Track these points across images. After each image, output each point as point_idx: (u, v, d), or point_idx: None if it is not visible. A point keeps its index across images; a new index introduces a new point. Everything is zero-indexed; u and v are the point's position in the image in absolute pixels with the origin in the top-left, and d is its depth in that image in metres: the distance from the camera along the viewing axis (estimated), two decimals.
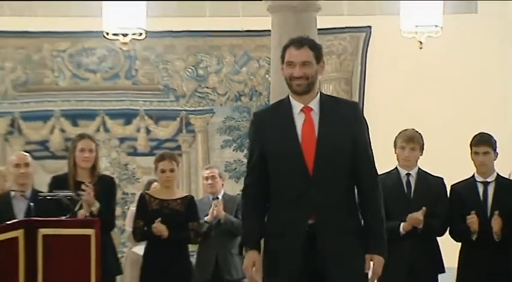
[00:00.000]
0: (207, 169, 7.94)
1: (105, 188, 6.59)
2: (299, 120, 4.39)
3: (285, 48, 4.43)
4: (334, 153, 4.32)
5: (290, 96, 4.44)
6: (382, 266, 4.30)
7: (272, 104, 4.80)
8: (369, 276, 4.32)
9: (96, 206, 6.34)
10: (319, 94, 4.47)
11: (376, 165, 4.46)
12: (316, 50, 4.43)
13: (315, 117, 4.39)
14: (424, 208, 6.17)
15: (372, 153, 4.45)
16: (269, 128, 4.42)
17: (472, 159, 6.47)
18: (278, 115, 4.44)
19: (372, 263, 4.29)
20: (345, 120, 4.39)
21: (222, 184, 7.93)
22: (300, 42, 4.44)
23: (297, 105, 4.42)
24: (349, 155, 4.35)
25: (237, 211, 7.58)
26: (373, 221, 4.36)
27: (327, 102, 4.46)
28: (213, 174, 7.80)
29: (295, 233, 4.27)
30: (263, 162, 4.40)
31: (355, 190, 4.44)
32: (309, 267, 4.26)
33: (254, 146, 4.48)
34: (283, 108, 4.45)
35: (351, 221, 4.36)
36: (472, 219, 6.22)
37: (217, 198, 7.71)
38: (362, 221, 4.41)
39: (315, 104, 4.43)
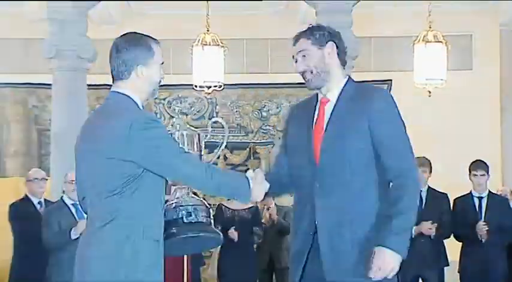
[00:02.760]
0: None
1: None
2: (317, 112, 3.12)
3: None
4: (341, 147, 3.00)
5: None
6: (386, 260, 2.90)
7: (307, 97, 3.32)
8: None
9: None
10: (344, 82, 3.11)
11: (410, 158, 3.05)
12: (316, 36, 3.08)
13: (329, 109, 3.08)
14: (436, 224, 6.14)
15: (405, 145, 3.05)
16: (293, 122, 3.22)
17: (471, 179, 6.42)
18: (304, 108, 3.19)
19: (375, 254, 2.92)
20: (362, 111, 3.00)
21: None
22: (295, 37, 3.13)
23: (320, 97, 3.15)
24: (364, 150, 2.99)
25: (284, 217, 7.41)
26: (389, 215, 2.94)
27: (349, 91, 3.09)
28: None
29: (304, 229, 3.06)
30: (284, 156, 3.23)
31: (379, 185, 3.03)
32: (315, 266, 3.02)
33: (281, 139, 3.35)
34: (311, 101, 3.19)
35: (361, 219, 2.98)
36: (481, 227, 6.18)
37: (269, 208, 7.46)
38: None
39: (333, 95, 3.09)
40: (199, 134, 3.17)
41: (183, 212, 2.97)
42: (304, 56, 3.07)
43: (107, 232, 2.74)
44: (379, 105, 3.02)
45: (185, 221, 2.96)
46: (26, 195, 6.64)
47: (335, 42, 3.10)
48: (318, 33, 3.09)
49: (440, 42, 7.88)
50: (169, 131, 3.07)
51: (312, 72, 3.07)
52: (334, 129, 3.04)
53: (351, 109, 3.04)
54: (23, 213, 6.47)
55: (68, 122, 7.28)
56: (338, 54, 3.12)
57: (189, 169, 2.80)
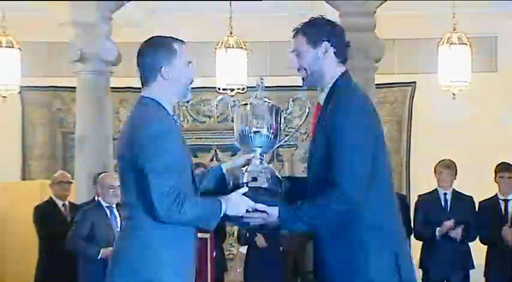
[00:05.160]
0: None
1: None
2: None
3: None
4: (311, 155, 2.89)
5: None
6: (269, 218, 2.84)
7: None
8: None
9: None
10: (330, 86, 2.89)
11: (343, 175, 2.71)
12: (312, 33, 2.89)
13: (318, 115, 2.93)
14: (461, 227, 6.08)
15: (345, 161, 2.71)
16: None
17: (496, 182, 6.36)
18: None
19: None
20: (325, 119, 2.83)
21: None
22: (294, 30, 2.96)
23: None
24: (323, 160, 2.78)
25: None
26: (303, 202, 2.81)
27: (329, 97, 2.87)
28: None
29: None
30: None
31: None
32: None
33: None
34: None
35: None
36: (507, 232, 6.11)
37: None
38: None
39: (322, 99, 2.92)
40: (277, 109, 3.15)
41: (249, 177, 3.00)
42: (298, 55, 2.92)
43: (125, 239, 2.81)
44: (335, 115, 2.77)
45: (249, 185, 2.96)
46: (51, 198, 6.70)
47: (331, 42, 2.88)
48: (315, 31, 2.89)
49: (465, 44, 7.82)
50: (248, 100, 3.12)
51: (305, 71, 2.92)
52: (313, 137, 2.91)
53: (323, 117, 2.85)
54: (47, 215, 6.53)
55: (92, 125, 7.32)
56: (335, 52, 2.90)
57: (155, 197, 2.68)
